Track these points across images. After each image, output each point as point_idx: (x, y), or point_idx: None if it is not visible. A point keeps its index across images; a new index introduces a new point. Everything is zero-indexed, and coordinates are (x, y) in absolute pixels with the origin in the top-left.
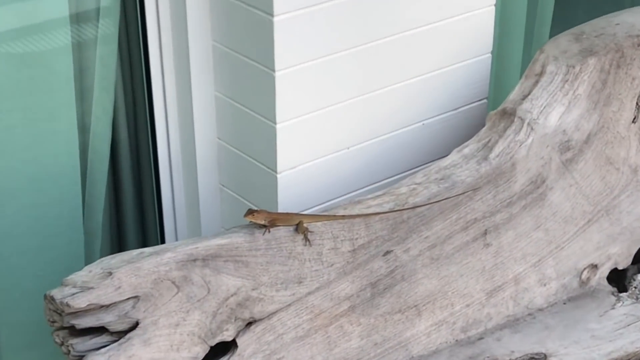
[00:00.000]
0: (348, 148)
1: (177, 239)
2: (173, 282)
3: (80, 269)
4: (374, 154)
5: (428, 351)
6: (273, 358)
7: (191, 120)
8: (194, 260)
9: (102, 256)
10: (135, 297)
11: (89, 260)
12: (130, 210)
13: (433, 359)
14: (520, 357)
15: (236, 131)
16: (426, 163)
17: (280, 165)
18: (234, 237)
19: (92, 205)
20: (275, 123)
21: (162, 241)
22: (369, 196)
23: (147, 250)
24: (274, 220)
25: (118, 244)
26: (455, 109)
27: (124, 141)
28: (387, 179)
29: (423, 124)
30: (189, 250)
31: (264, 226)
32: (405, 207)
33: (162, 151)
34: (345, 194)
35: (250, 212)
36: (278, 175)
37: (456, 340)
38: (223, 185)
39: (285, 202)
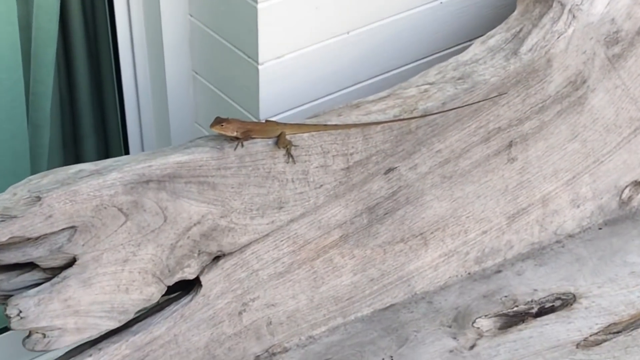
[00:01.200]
0: (348, 33)
1: (141, 135)
2: (120, 210)
3: (25, 168)
4: (379, 40)
5: (434, 287)
6: (246, 299)
7: None
8: (147, 181)
9: (50, 154)
10: (72, 227)
11: (34, 157)
12: (85, 99)
13: (440, 297)
14: (544, 298)
15: (211, 8)
16: (442, 51)
17: (262, 55)
18: (197, 153)
19: (38, 92)
20: (256, 1)
21: (124, 135)
22: (370, 99)
23: (86, 167)
24: (248, 131)
25: (72, 139)
26: None
27: (76, 15)
28: (394, 70)
29: (441, 3)
30: (140, 169)
31: (236, 139)
32: (414, 114)
33: (121, 26)
34: (341, 90)
35: (219, 121)
36: (260, 67)
37: (468, 274)
38: (196, 73)
39: (268, 99)
